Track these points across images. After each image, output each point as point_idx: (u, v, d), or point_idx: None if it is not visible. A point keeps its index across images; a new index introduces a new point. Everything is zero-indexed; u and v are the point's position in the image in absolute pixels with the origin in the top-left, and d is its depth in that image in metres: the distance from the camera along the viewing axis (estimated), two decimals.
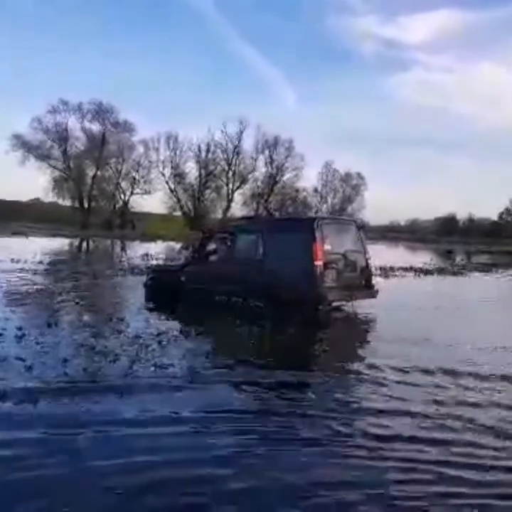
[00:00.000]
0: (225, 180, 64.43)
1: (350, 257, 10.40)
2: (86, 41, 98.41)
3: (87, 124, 59.35)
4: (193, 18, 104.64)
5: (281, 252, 10.05)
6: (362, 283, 10.62)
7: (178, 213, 62.89)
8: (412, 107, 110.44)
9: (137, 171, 61.67)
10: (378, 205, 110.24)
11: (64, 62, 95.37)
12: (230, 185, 64.37)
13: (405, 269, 22.62)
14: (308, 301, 9.61)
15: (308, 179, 72.49)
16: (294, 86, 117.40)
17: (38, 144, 57.41)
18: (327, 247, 9.91)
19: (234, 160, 63.99)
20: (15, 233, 37.15)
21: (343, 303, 10.60)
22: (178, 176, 62.67)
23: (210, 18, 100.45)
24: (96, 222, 57.50)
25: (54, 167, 59.02)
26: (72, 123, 58.67)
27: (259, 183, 65.87)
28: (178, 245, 32.33)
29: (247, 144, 64.47)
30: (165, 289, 11.56)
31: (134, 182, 61.74)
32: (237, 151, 63.78)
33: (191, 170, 63.36)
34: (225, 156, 63.86)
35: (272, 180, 65.68)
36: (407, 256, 37.49)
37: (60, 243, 34.32)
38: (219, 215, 62.98)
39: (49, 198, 61.41)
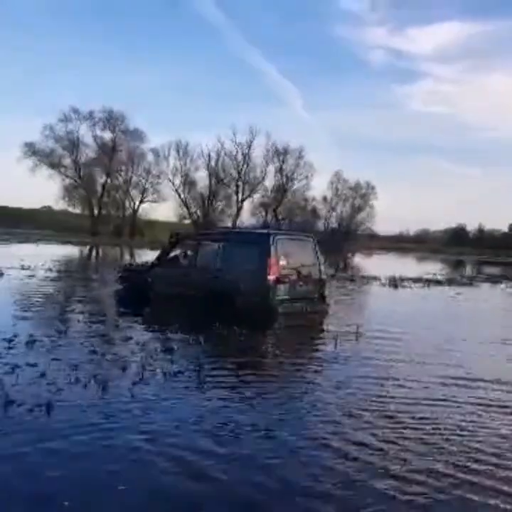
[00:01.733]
0: (234, 188, 64.67)
1: (303, 271, 10.86)
2: (96, 48, 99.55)
3: (98, 132, 59.96)
4: (204, 27, 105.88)
5: (239, 263, 10.52)
6: (315, 296, 11.15)
7: (188, 221, 63.07)
8: (422, 117, 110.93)
9: (147, 179, 62.07)
10: (388, 215, 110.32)
11: (75, 70, 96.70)
12: (240, 194, 64.61)
13: (415, 280, 22.55)
14: (261, 311, 10.06)
15: (318, 188, 72.57)
16: (304, 95, 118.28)
17: (49, 151, 58.06)
18: (282, 262, 10.40)
19: (243, 169, 64.25)
20: (25, 240, 37.37)
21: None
22: (188, 184, 62.98)
23: (220, 27, 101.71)
24: (106, 229, 57.81)
25: (65, 175, 59.56)
26: (84, 131, 59.30)
27: (268, 193, 66.03)
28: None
29: (257, 153, 64.64)
30: (133, 288, 12.31)
31: (143, 190, 62.09)
32: (246, 159, 64.05)
33: (201, 178, 63.70)
34: (235, 164, 64.12)
35: (282, 189, 65.76)
36: (416, 266, 37.34)
37: (69, 250, 34.50)
38: (229, 223, 63.16)
39: (59, 205, 61.96)
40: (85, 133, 59.30)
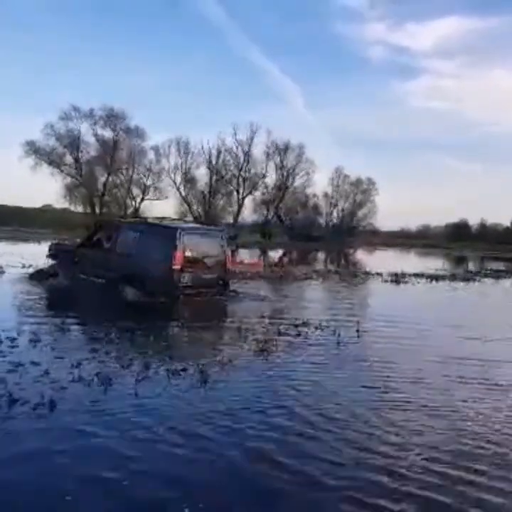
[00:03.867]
0: (235, 185, 64.54)
1: (208, 261, 12.31)
2: (97, 47, 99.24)
3: (98, 130, 59.74)
4: (205, 26, 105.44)
5: (151, 252, 11.84)
6: (219, 283, 12.58)
7: (189, 219, 62.95)
8: (423, 113, 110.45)
9: (148, 177, 61.98)
10: (389, 211, 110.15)
11: (75, 69, 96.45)
12: (241, 191, 64.46)
13: (417, 276, 22.48)
14: (166, 295, 11.59)
15: (319, 184, 72.29)
16: (304, 92, 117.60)
17: (50, 150, 57.76)
18: (187, 253, 11.80)
19: (244, 166, 64.11)
20: (27, 239, 37.32)
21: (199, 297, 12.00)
22: (189, 181, 62.87)
23: (221, 26, 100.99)
24: None
25: (66, 173, 59.38)
26: (84, 129, 59.01)
27: (269, 189, 65.93)
28: None
29: (258, 150, 64.48)
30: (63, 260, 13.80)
31: (145, 188, 62.01)
32: (247, 156, 63.91)
33: (202, 176, 63.60)
34: (236, 161, 63.99)
35: (283, 185, 65.67)
36: (418, 262, 37.26)
37: None
38: (230, 220, 63.06)
39: (61, 204, 61.83)
40: (86, 131, 59.17)
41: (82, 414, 4.92)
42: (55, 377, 5.85)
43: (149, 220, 14.06)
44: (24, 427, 4.59)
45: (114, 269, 12.09)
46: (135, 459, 4.11)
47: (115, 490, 3.65)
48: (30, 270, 15.68)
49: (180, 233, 11.76)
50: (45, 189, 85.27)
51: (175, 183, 62.14)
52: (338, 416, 5.23)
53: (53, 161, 57.96)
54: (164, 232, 12.25)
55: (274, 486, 3.81)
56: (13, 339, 7.44)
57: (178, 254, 11.58)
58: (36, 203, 71.56)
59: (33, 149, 56.70)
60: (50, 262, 14.50)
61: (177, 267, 11.56)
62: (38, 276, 14.38)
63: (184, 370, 6.44)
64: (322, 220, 71.22)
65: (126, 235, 12.67)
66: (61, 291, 13.12)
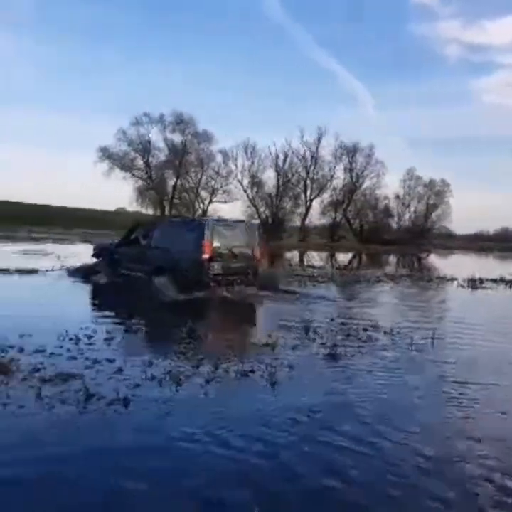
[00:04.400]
0: (302, 188, 64.23)
1: (237, 251, 12.97)
2: (167, 53, 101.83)
3: (168, 135, 61.22)
4: (272, 29, 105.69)
5: (183, 245, 12.70)
6: (248, 272, 13.20)
7: (257, 221, 63.20)
8: (499, 111, 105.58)
9: (216, 180, 62.80)
10: (465, 213, 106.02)
11: (146, 75, 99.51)
12: (308, 193, 64.09)
13: (495, 281, 21.33)
14: (197, 284, 12.25)
15: (390, 186, 70.58)
16: (373, 92, 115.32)
17: (122, 155, 59.85)
18: (215, 243, 12.52)
19: (312, 168, 63.71)
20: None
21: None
22: (256, 184, 63.15)
23: (288, 28, 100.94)
24: None
25: (137, 177, 61.25)
26: (155, 134, 60.72)
27: (337, 191, 65.12)
28: None
29: (325, 152, 63.87)
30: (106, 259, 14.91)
31: (212, 191, 62.87)
32: (315, 158, 63.47)
33: (269, 178, 63.70)
34: (303, 164, 63.69)
35: (352, 187, 64.70)
36: (497, 267, 35.50)
37: None
38: (297, 223, 62.82)
39: (133, 207, 63.82)
40: (156, 136, 60.87)
41: (155, 412, 4.92)
42: (128, 375, 5.89)
43: (181, 217, 15.24)
44: (99, 421, 4.63)
45: (150, 263, 13.10)
46: (208, 458, 4.02)
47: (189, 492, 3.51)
48: (69, 268, 16.30)
49: (208, 225, 12.67)
50: (118, 193, 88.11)
51: (242, 186, 62.68)
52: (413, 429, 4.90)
53: (125, 165, 59.97)
54: (194, 226, 13.29)
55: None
56: (89, 337, 7.63)
57: (207, 244, 12.37)
58: (110, 206, 74.42)
59: (107, 155, 58.91)
60: (93, 260, 15.51)
61: (206, 256, 12.35)
62: (77, 274, 15.31)
63: (252, 371, 6.33)
64: (393, 223, 69.61)
65: (161, 232, 13.76)
66: (110, 288, 13.74)
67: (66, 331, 7.60)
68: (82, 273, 15.17)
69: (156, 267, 12.74)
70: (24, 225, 47.56)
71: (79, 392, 5.19)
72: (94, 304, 12.15)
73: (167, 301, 11.59)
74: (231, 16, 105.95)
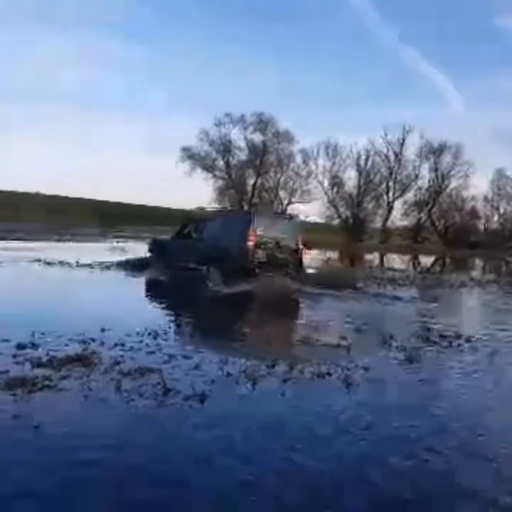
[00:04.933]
0: (385, 188, 62.69)
1: (281, 241, 13.62)
2: (247, 54, 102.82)
3: (249, 135, 61.85)
4: (357, 27, 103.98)
5: (231, 235, 13.47)
6: (291, 261, 13.80)
7: (337, 222, 62.53)
8: None
9: (295, 180, 62.64)
10: None
11: (227, 75, 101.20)
12: (390, 194, 62.41)
13: None
14: (243, 271, 12.78)
15: (478, 187, 67.35)
16: (461, 89, 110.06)
17: (204, 155, 61.14)
18: (260, 232, 13.24)
19: (395, 168, 62.00)
20: None
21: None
22: (337, 184, 62.37)
23: (371, 24, 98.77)
24: None
25: (218, 177, 62.35)
26: (235, 134, 61.52)
27: (422, 192, 62.97)
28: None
29: (409, 152, 61.90)
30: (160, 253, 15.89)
31: (292, 191, 62.79)
32: (398, 158, 61.70)
33: (350, 179, 62.70)
34: (386, 163, 62.12)
35: (437, 188, 62.40)
36: None
37: None
38: (378, 224, 61.47)
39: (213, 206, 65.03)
40: (237, 136, 61.66)
41: (231, 409, 4.95)
42: (205, 371, 5.93)
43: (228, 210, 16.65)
44: (177, 415, 4.71)
45: (201, 253, 13.95)
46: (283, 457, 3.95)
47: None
48: (120, 261, 16.94)
49: (253, 215, 13.73)
50: (197, 192, 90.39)
51: (322, 186, 62.12)
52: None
53: (207, 165, 61.22)
54: (240, 217, 14.55)
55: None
56: (166, 332, 7.78)
57: (252, 233, 13.11)
58: (190, 206, 76.15)
59: (189, 155, 60.40)
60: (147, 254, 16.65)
61: (251, 244, 13.10)
62: (125, 266, 16.10)
63: (328, 374, 6.20)
64: (480, 225, 66.37)
65: (211, 224, 14.67)
66: (158, 283, 14.25)
67: (144, 327, 7.79)
68: (131, 266, 15.99)
69: (205, 258, 13.53)
70: (122, 223, 50.12)
71: (157, 385, 5.27)
72: (144, 297, 12.44)
73: (218, 296, 11.82)
74: (315, 15, 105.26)
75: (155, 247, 16.40)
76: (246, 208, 61.13)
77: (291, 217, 16.17)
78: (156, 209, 69.15)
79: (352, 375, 6.11)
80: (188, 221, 16.48)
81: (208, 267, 13.21)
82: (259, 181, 62.26)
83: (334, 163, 61.70)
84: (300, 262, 14.05)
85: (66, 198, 65.47)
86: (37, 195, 65.22)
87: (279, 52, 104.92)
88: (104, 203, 67.88)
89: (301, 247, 14.11)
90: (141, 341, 7.11)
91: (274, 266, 13.18)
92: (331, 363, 6.59)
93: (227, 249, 13.20)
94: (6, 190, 60.40)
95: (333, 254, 34.64)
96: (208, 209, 19.40)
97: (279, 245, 13.54)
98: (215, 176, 62.10)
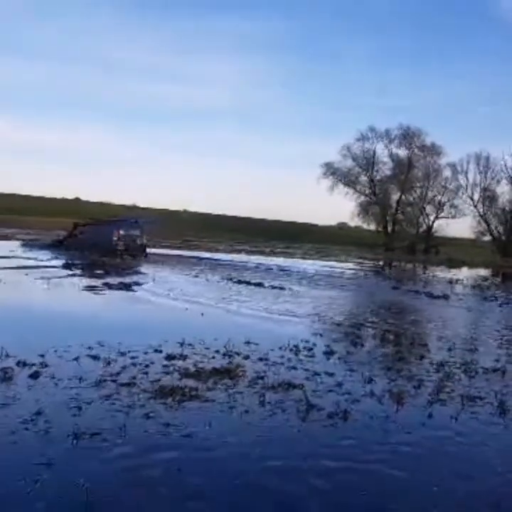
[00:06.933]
0: None
1: (133, 237, 23.70)
2: (391, 69, 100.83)
3: (393, 150, 60.45)
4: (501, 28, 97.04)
5: (104, 235, 22.92)
6: (140, 249, 23.40)
7: (488, 238, 58.48)
8: None
9: (443, 195, 59.82)
10: None
11: (367, 89, 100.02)
12: None
13: None
14: (110, 254, 21.66)
15: None
16: None
17: (346, 170, 60.87)
18: (122, 232, 23.42)
19: None
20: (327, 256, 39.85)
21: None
22: (488, 198, 58.34)
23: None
24: (399, 246, 57.62)
25: (360, 192, 61.59)
26: (380, 149, 60.50)
27: None
28: None
29: None
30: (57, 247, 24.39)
31: (439, 206, 60.00)
32: None
33: (502, 193, 58.32)
34: None
35: None
36: None
37: (365, 266, 35.28)
38: None
39: (354, 222, 64.38)
40: (381, 151, 60.57)
41: (374, 428, 4.88)
42: (348, 389, 5.88)
43: (107, 219, 28.27)
44: (320, 431, 4.75)
45: (84, 246, 22.72)
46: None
47: None
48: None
49: (118, 223, 24.93)
50: (338, 208, 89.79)
51: (473, 201, 58.53)
52: None
53: (349, 180, 60.80)
54: (112, 224, 24.91)
55: None
56: (309, 349, 7.83)
57: (116, 233, 23.37)
58: (331, 221, 76.42)
59: (331, 171, 60.49)
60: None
61: (115, 238, 23.21)
62: (49, 248, 24.41)
63: (480, 397, 5.83)
64: None
65: (92, 229, 24.94)
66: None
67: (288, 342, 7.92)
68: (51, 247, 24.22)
69: (91, 245, 22.28)
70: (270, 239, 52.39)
71: (299, 402, 5.33)
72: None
73: (96, 261, 19.83)
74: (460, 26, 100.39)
75: (56, 242, 24.89)
76: (389, 225, 59.92)
77: (141, 224, 25.03)
78: (298, 225, 69.97)
79: (506, 402, 5.63)
80: (74, 226, 25.05)
81: (92, 250, 21.72)
82: (403, 196, 60.48)
83: (485, 176, 57.99)
84: (144, 250, 23.52)
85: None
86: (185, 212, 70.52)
87: (424, 62, 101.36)
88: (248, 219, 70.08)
89: (145, 242, 24.14)
90: (283, 356, 7.25)
91: (129, 251, 22.75)
92: (481, 384, 6.18)
93: (104, 241, 22.40)
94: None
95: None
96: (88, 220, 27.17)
97: (132, 240, 23.49)
98: (357, 191, 61.54)
